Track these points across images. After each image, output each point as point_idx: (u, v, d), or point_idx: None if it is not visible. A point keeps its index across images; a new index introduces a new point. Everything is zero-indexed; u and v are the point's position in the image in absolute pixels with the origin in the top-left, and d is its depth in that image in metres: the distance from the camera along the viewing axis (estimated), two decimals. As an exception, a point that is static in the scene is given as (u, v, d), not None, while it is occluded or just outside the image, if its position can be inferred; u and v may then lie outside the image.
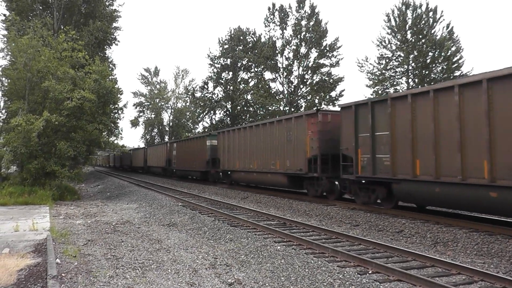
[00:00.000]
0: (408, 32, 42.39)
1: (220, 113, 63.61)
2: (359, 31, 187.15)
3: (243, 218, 15.78)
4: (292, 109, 51.62)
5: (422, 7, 41.74)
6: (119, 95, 30.41)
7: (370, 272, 8.80)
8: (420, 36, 41.26)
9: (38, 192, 23.24)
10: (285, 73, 52.85)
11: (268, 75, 55.74)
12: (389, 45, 44.28)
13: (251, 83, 60.03)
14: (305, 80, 52.22)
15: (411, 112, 14.09)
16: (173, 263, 9.99)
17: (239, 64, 61.17)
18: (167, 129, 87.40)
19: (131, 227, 15.43)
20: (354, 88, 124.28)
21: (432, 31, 40.94)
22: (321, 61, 51.03)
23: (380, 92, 44.35)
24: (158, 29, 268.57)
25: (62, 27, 32.63)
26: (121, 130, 33.51)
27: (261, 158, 24.62)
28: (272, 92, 53.87)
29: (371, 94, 45.10)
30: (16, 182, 25.32)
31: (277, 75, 53.55)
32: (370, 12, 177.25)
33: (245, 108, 60.37)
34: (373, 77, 45.45)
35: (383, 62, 44.77)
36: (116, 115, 31.85)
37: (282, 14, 52.10)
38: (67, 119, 25.37)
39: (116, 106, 31.04)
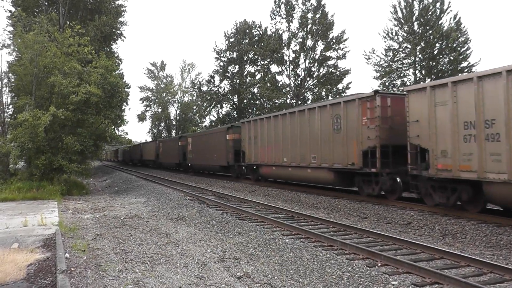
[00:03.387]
0: (415, 23, 42.08)
1: (226, 107, 63.68)
2: (365, 23, 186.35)
3: (251, 212, 15.79)
4: (299, 102, 51.49)
5: (429, -3, 41.46)
6: (126, 89, 30.49)
7: (379, 264, 8.78)
8: (427, 27, 40.97)
9: (46, 187, 23.37)
10: (291, 66, 52.68)
11: (274, 68, 55.65)
12: (396, 37, 44.02)
13: (258, 77, 59.95)
14: (311, 72, 52.04)
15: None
16: (182, 257, 10.01)
17: (245, 58, 61.07)
18: (174, 123, 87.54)
19: (139, 221, 15.48)
20: (361, 80, 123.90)
21: (439, 22, 40.64)
22: (328, 53, 50.77)
23: (387, 84, 44.16)
24: (164, 23, 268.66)
25: (68, 23, 32.66)
26: (126, 122, 33.46)
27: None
28: (279, 85, 53.70)
29: (378, 86, 44.87)
30: (24, 177, 25.44)
31: (283, 68, 53.37)
32: (376, 4, 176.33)
33: (251, 101, 60.31)
34: (380, 69, 45.25)
35: (390, 54, 44.53)
36: (122, 107, 31.96)
37: (288, 7, 51.78)
38: (73, 114, 25.45)
39: (122, 97, 31.13)
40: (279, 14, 52.86)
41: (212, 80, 63.61)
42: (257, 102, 59.44)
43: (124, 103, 33.11)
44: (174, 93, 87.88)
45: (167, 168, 54.18)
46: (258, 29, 60.55)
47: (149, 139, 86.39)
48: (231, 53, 61.89)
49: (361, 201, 17.34)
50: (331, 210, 16.68)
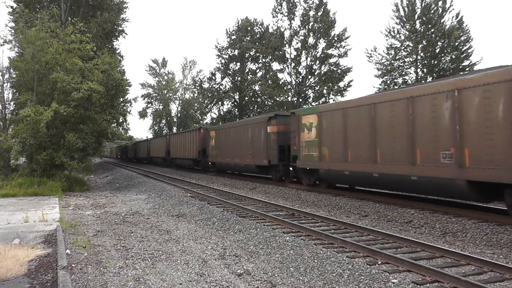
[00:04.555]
0: (417, 21, 42.01)
1: (228, 104, 63.67)
2: (367, 22, 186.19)
3: (251, 209, 15.79)
4: (300, 100, 51.47)
5: (431, -4, 41.40)
6: (127, 87, 30.54)
7: (379, 262, 8.78)
8: (429, 26, 40.91)
9: (47, 183, 23.40)
10: (293, 64, 52.61)
11: (276, 65, 55.59)
12: (397, 35, 43.96)
13: (259, 74, 59.98)
14: (313, 70, 51.96)
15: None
16: (183, 254, 10.02)
17: (246, 55, 61.05)
18: (175, 120, 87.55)
19: (140, 218, 15.50)
20: (363, 78, 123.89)
21: (441, 21, 40.58)
22: (329, 51, 50.68)
23: (388, 82, 44.12)
24: (166, 20, 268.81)
25: (70, 19, 32.70)
26: (128, 124, 33.53)
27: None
28: (280, 82, 53.64)
29: (380, 84, 44.90)
30: (26, 173, 25.48)
31: (285, 65, 53.29)
32: (378, 2, 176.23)
33: (253, 99, 60.29)
34: (382, 67, 45.18)
35: (392, 52, 44.46)
36: (124, 107, 32.03)
37: (290, 5, 51.72)
38: (75, 110, 25.50)
39: (125, 99, 31.21)
40: (280, 11, 52.83)
41: (213, 77, 63.66)
42: (258, 99, 59.44)
43: (128, 104, 33.31)
44: (176, 90, 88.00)
45: (225, 171, 35.87)
46: (260, 26, 60.53)
47: (150, 136, 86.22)
48: (233, 51, 61.88)
49: (362, 199, 17.36)
50: (331, 208, 16.68)
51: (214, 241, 11.50)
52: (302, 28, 51.07)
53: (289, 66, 52.92)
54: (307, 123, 21.15)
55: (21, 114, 23.52)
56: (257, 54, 58.78)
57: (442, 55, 40.54)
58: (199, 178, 33.27)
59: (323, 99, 50.34)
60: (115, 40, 45.01)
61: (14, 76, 29.13)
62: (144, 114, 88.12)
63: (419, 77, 41.99)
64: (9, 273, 7.65)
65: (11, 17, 36.00)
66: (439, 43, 40.25)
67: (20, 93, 27.54)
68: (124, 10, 44.00)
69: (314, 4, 50.48)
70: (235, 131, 30.79)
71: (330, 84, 50.68)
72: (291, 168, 23.91)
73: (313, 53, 51.17)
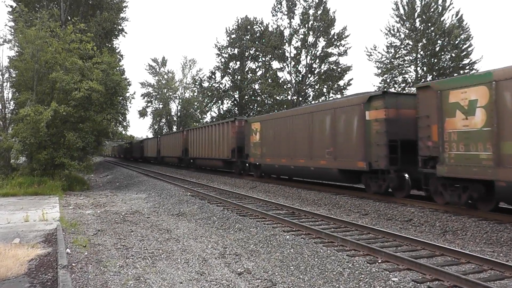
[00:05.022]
0: (417, 20, 41.95)
1: (227, 103, 63.60)
2: (367, 20, 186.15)
3: (252, 208, 15.78)
4: (300, 99, 51.42)
5: (431, -6, 41.33)
6: (127, 87, 30.56)
7: (379, 261, 8.78)
8: (429, 24, 40.86)
9: (48, 183, 23.38)
10: (292, 63, 52.54)
11: (275, 64, 55.48)
12: (397, 34, 43.88)
13: (259, 73, 59.86)
14: (313, 69, 51.88)
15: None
16: (183, 253, 10.03)
17: (246, 54, 60.97)
18: (175, 119, 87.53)
19: (140, 217, 15.51)
20: (362, 77, 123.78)
21: (441, 19, 40.53)
22: (329, 50, 50.57)
23: (388, 80, 44.04)
24: (166, 19, 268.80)
25: (70, 18, 32.67)
26: (128, 122, 33.55)
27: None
28: (280, 81, 53.56)
29: (380, 83, 44.83)
30: (26, 172, 25.47)
31: (284, 64, 53.19)
32: (378, 1, 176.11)
33: (252, 97, 60.22)
34: (382, 65, 45.08)
35: (392, 50, 44.38)
36: (124, 106, 32.00)
37: (290, 3, 51.68)
38: (75, 110, 25.50)
39: (124, 96, 31.20)
40: (280, 10, 52.75)
41: (213, 76, 63.53)
42: (258, 98, 59.36)
43: (127, 101, 33.29)
44: (175, 89, 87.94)
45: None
46: (260, 25, 60.40)
47: (150, 135, 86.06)
48: (233, 49, 61.77)
49: (362, 197, 17.34)
50: (332, 207, 16.68)
51: (214, 240, 11.51)
52: (301, 26, 51.00)
53: (289, 65, 52.86)
54: (462, 102, 12.46)
55: (21, 113, 23.50)
56: (257, 53, 58.69)
57: (442, 53, 40.49)
58: (199, 177, 33.18)
59: (322, 98, 50.26)
60: (114, 39, 45.05)
61: (14, 75, 29.09)
62: (144, 113, 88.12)
63: (419, 75, 41.95)
64: (9, 272, 7.65)
65: (11, 16, 36.01)
66: (439, 42, 40.20)
67: (20, 92, 27.51)
68: (124, 9, 43.97)
69: (314, 2, 50.41)
70: (299, 121, 21.93)
71: (330, 82, 50.59)
72: (406, 176, 16.09)
73: (313, 52, 51.09)
